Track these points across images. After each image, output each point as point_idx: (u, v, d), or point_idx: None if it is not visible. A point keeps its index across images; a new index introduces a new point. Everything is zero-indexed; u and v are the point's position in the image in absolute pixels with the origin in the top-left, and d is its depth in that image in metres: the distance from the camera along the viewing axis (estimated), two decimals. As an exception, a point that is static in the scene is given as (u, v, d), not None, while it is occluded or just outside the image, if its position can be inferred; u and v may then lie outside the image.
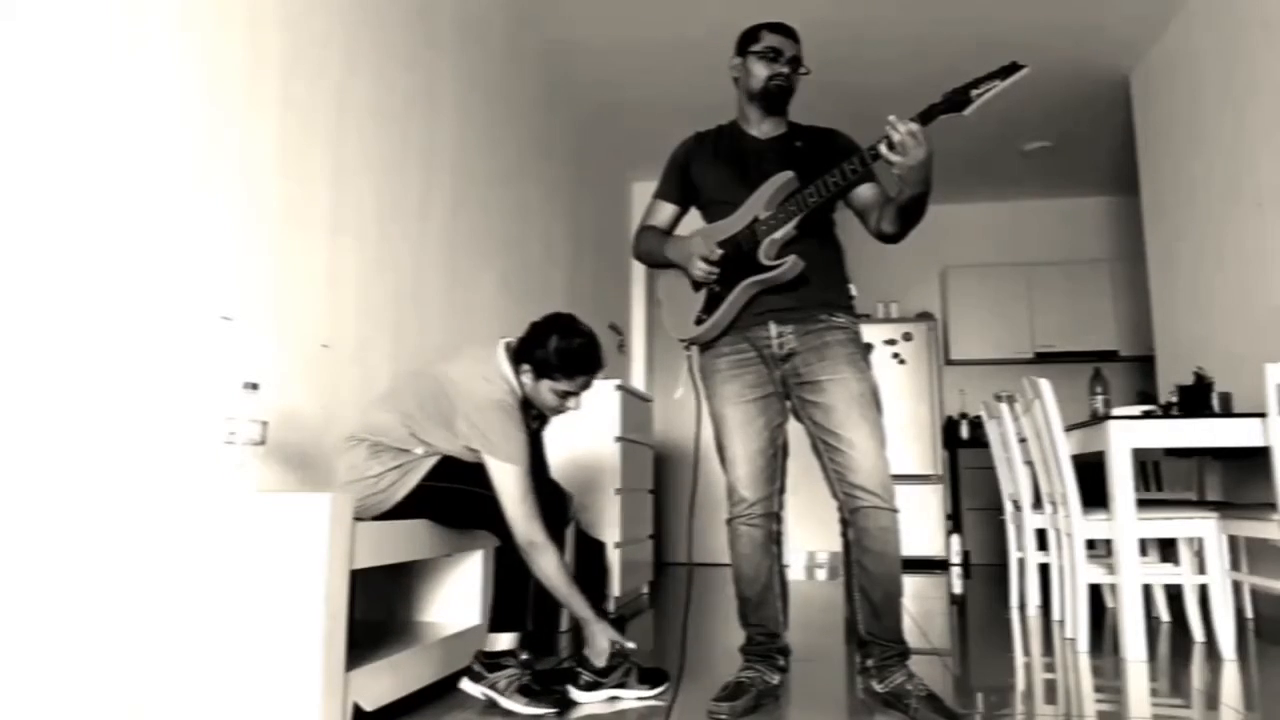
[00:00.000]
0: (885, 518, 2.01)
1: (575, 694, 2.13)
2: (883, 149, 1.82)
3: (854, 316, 2.17)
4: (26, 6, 1.61)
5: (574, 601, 2.13)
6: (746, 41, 2.23)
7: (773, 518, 2.17)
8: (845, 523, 2.08)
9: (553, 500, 2.26)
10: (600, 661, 2.16)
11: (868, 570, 2.03)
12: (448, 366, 2.24)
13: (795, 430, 2.19)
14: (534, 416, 2.30)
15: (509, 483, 2.08)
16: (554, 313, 2.29)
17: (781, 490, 2.20)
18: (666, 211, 2.34)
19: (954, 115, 1.80)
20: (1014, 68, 1.75)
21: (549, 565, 2.08)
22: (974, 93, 1.76)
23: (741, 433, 2.14)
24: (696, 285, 2.21)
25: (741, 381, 2.15)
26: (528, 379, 2.21)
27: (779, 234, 2.06)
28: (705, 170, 2.26)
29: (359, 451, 2.14)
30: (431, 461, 2.14)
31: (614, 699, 2.14)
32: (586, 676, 2.14)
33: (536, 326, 2.24)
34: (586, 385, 2.26)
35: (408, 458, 2.13)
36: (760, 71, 2.17)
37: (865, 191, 2.12)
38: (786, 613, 2.23)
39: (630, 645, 2.20)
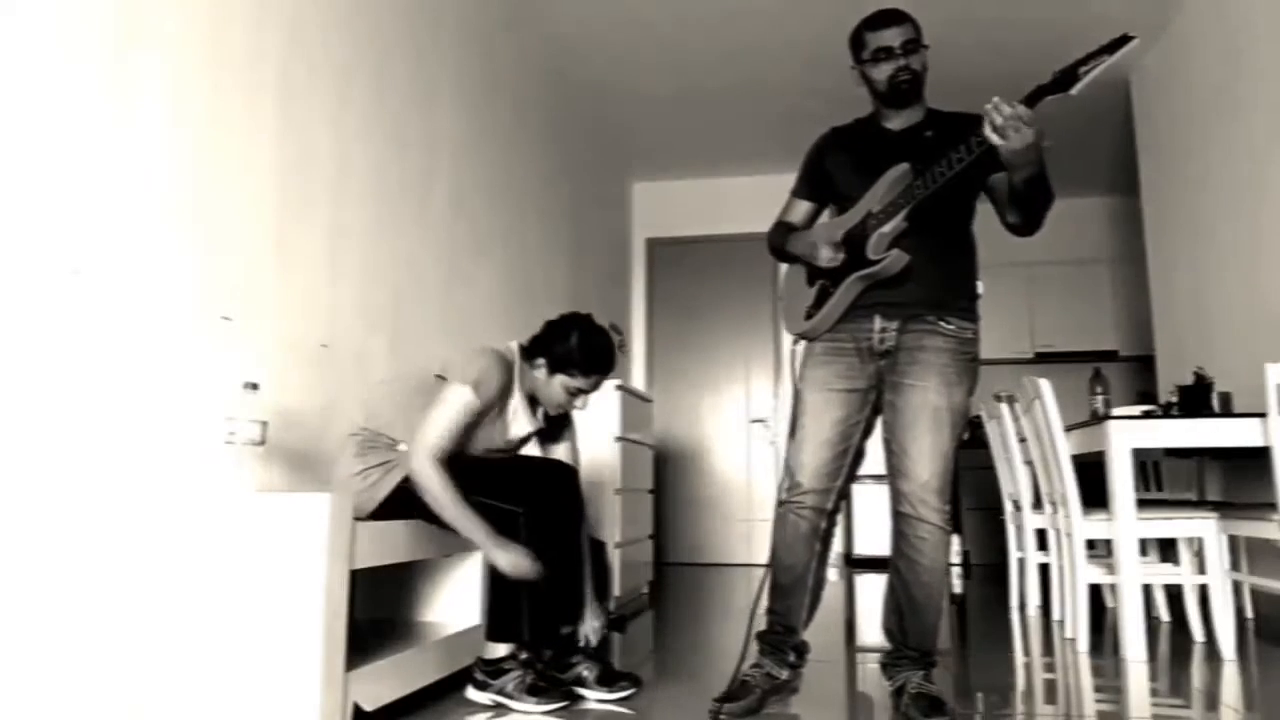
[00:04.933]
0: (925, 530, 1.99)
1: (468, 692, 2.10)
2: (987, 132, 1.78)
3: (969, 321, 2.08)
4: (26, 4, 1.61)
5: (466, 525, 2.01)
6: (855, 48, 2.15)
7: (823, 514, 2.12)
8: (892, 521, 2.07)
9: (559, 484, 2.21)
10: (507, 567, 2.01)
11: (900, 574, 2.04)
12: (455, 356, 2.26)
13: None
14: (544, 415, 2.31)
15: (451, 402, 2.03)
16: (573, 311, 2.30)
17: (841, 494, 2.14)
18: (801, 209, 2.31)
19: (1062, 96, 1.75)
20: (1124, 40, 1.71)
21: (439, 496, 1.98)
22: (1082, 69, 1.72)
23: (815, 420, 2.11)
24: (811, 279, 2.19)
25: (829, 369, 2.12)
26: (540, 373, 2.22)
27: (887, 228, 2.01)
28: (837, 166, 2.21)
29: (349, 448, 2.15)
30: None
31: (500, 706, 2.05)
32: (479, 675, 2.09)
33: (555, 323, 2.25)
34: (598, 385, 2.27)
35: (392, 455, 2.13)
36: (880, 75, 2.09)
37: (1001, 182, 2.04)
38: (813, 611, 2.19)
39: (529, 566, 2.01)
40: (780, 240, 2.28)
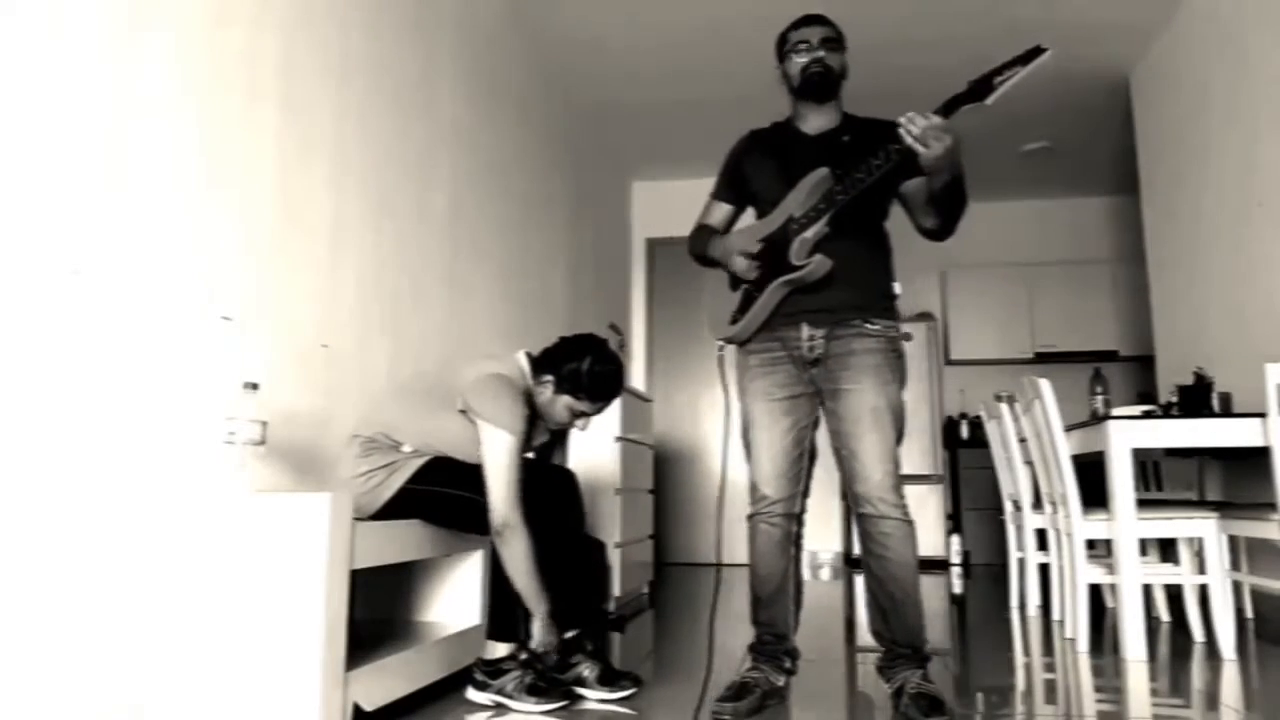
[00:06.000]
0: (889, 525, 2.01)
1: (469, 692, 2.10)
2: (909, 141, 1.80)
3: (891, 320, 2.12)
4: (26, 4, 1.61)
5: (531, 594, 2.06)
6: (779, 48, 2.22)
7: (793, 519, 2.16)
8: (857, 525, 2.10)
9: (561, 491, 2.24)
10: (541, 651, 2.10)
11: (874, 574, 2.06)
12: (462, 365, 2.26)
13: (822, 435, 2.18)
14: (545, 429, 2.32)
15: (498, 451, 2.05)
16: (587, 333, 2.32)
17: (805, 494, 2.19)
18: (721, 211, 2.33)
19: (976, 106, 1.78)
20: (1037, 52, 1.71)
21: (517, 551, 2.04)
22: (996, 80, 1.74)
23: (767, 431, 2.14)
24: (735, 284, 2.20)
25: (771, 380, 2.14)
26: (546, 390, 2.23)
27: (809, 233, 2.04)
28: (755, 169, 2.24)
29: (352, 449, 2.16)
30: (418, 463, 2.13)
31: (501, 706, 2.06)
32: (479, 675, 2.09)
33: (569, 342, 2.26)
34: (601, 411, 2.28)
35: (395, 456, 2.13)
36: (793, 69, 2.15)
37: (913, 186, 2.08)
38: (798, 615, 2.22)
39: (544, 654, 2.10)
40: (701, 245, 2.30)
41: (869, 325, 2.08)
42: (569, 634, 2.17)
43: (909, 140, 1.81)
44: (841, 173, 2.00)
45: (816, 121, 2.19)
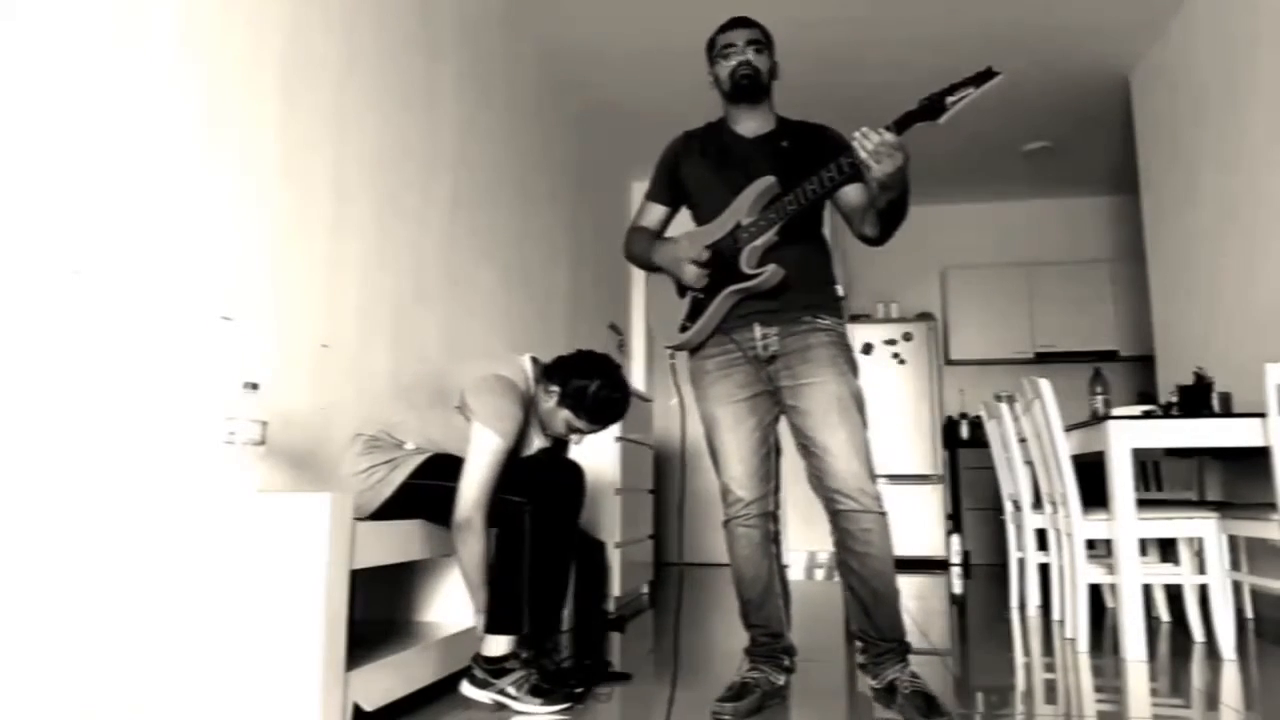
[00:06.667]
0: (865, 520, 2.00)
1: (465, 688, 2.08)
2: (862, 156, 1.82)
3: (839, 318, 2.15)
4: (27, 5, 1.61)
5: (478, 594, 2.09)
6: (709, 51, 2.25)
7: (769, 517, 2.17)
8: (832, 522, 2.09)
9: (567, 481, 2.23)
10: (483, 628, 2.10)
11: (853, 570, 2.04)
12: (465, 364, 2.27)
13: (785, 430, 2.19)
14: (545, 437, 2.33)
15: (482, 450, 2.06)
16: (603, 354, 2.32)
17: (776, 489, 2.19)
18: (656, 213, 2.34)
19: (929, 124, 1.80)
20: (989, 74, 1.75)
21: (473, 550, 2.05)
22: (949, 100, 1.76)
23: (733, 433, 2.14)
24: (682, 291, 2.21)
25: (730, 381, 2.15)
26: (550, 399, 2.24)
27: (759, 241, 2.05)
28: (692, 170, 2.25)
29: (354, 447, 2.17)
30: (420, 459, 2.14)
31: (501, 706, 2.04)
32: (479, 673, 2.07)
33: (584, 359, 2.28)
34: (597, 432, 2.30)
35: (397, 454, 2.14)
36: (723, 72, 2.18)
37: (851, 194, 2.10)
38: (789, 612, 2.22)
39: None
40: (642, 250, 2.30)
41: (820, 320, 2.10)
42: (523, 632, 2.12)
43: (862, 156, 1.82)
44: (788, 181, 2.02)
45: (751, 124, 2.20)
